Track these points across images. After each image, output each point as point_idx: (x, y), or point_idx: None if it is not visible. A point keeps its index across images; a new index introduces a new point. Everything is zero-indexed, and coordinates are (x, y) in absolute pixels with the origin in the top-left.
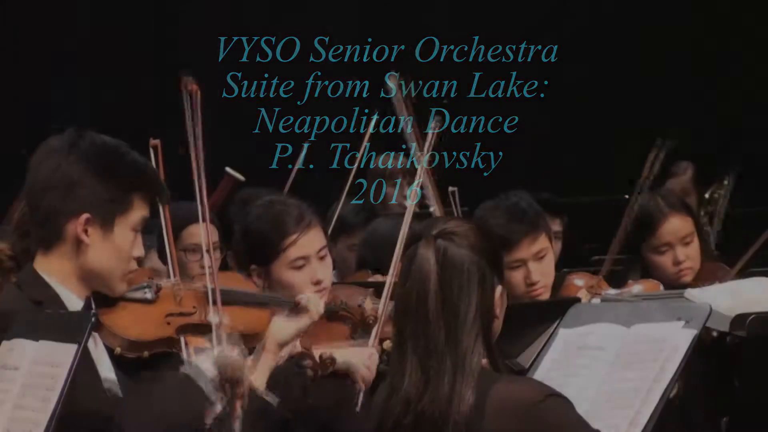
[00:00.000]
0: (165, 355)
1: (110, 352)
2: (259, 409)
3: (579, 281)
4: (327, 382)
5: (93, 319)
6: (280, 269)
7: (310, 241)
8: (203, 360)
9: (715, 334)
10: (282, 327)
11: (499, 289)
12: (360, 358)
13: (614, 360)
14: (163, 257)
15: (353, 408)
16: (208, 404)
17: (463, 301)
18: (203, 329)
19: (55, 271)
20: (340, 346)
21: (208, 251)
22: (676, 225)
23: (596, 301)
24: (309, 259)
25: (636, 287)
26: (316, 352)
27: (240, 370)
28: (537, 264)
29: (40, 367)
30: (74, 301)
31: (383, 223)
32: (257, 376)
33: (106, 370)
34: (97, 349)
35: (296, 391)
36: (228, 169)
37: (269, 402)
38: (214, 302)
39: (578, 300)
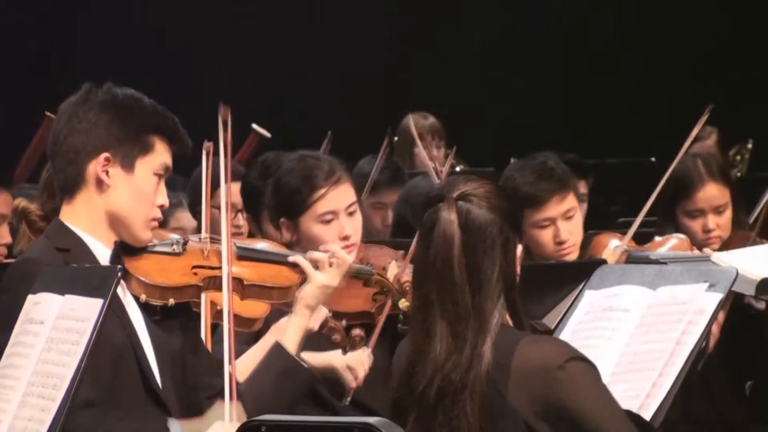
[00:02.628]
0: (190, 307)
1: (136, 300)
2: (287, 369)
3: (608, 242)
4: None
5: (119, 274)
6: (309, 223)
7: (339, 196)
8: None
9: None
10: (307, 289)
11: (519, 248)
12: (357, 358)
13: (639, 322)
14: (194, 214)
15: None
16: None
17: (487, 264)
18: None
19: (80, 218)
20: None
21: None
22: (713, 193)
23: (623, 261)
24: (338, 214)
25: (666, 245)
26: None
27: None
28: (566, 223)
29: (66, 321)
30: (100, 249)
31: (423, 181)
32: (288, 337)
33: (135, 318)
34: (126, 297)
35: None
36: (254, 125)
37: (298, 362)
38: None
39: (604, 261)
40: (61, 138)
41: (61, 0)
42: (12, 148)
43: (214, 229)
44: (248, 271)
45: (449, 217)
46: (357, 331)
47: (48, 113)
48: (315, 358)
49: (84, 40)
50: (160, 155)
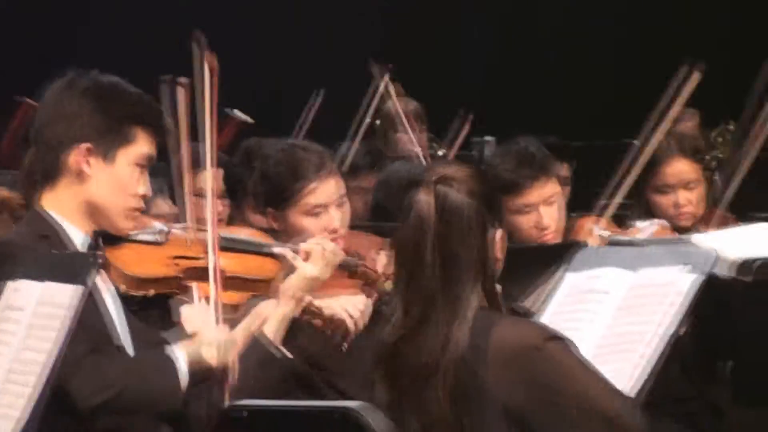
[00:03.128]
0: (170, 297)
1: (116, 290)
2: (264, 359)
3: (590, 225)
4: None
5: (99, 261)
6: (297, 215)
7: (329, 189)
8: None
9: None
10: (294, 281)
11: (499, 232)
12: (350, 303)
13: (620, 304)
14: (174, 200)
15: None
16: (179, 388)
17: (463, 248)
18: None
19: (60, 206)
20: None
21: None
22: (681, 168)
23: (604, 244)
24: (327, 207)
25: (647, 231)
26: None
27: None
28: (547, 208)
29: (45, 308)
30: (79, 236)
31: (402, 165)
32: (269, 328)
33: (113, 309)
34: (105, 286)
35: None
36: (235, 111)
37: (275, 353)
38: (214, 247)
39: (585, 244)
40: (44, 124)
41: None
42: None
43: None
44: (230, 263)
45: (426, 199)
46: (315, 305)
47: (26, 99)
48: (318, 302)
49: (58, 24)
50: (142, 146)
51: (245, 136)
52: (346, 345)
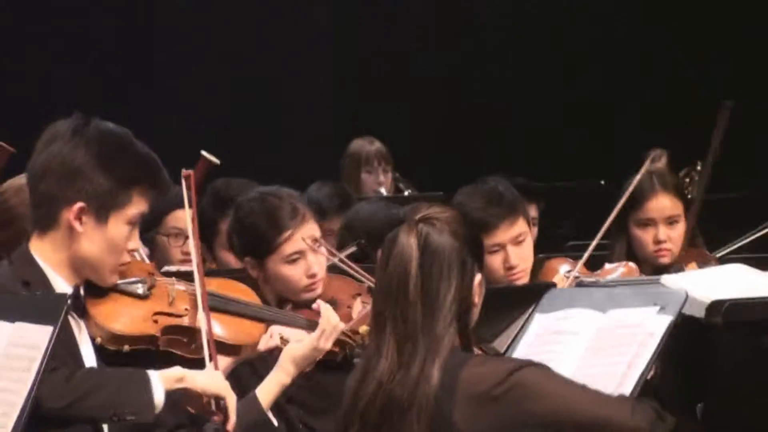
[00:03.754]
0: (146, 351)
1: (93, 341)
2: (258, 423)
3: (559, 266)
4: None
5: (69, 301)
6: (276, 263)
7: (305, 234)
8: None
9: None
10: (300, 350)
11: (478, 277)
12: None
13: (589, 345)
14: (144, 240)
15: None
16: (150, 400)
17: (443, 287)
18: (190, 332)
19: (47, 255)
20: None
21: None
22: (664, 203)
23: (572, 286)
24: (304, 253)
25: (615, 273)
26: None
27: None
28: (516, 248)
29: (16, 349)
30: (62, 286)
31: (366, 206)
32: (264, 392)
33: (89, 360)
34: (81, 335)
35: None
36: (203, 152)
37: (268, 419)
38: (204, 307)
39: (553, 285)
40: (40, 174)
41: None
42: None
43: (163, 255)
44: (218, 326)
45: (408, 238)
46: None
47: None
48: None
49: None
50: (137, 206)
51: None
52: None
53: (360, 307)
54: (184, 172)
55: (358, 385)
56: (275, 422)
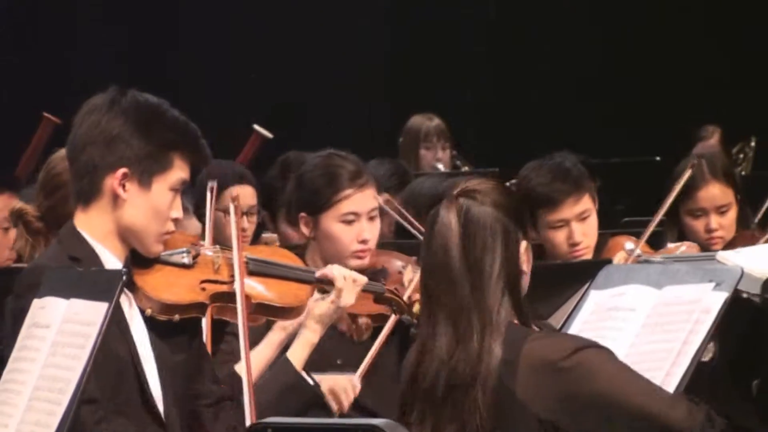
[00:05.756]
0: (197, 320)
1: (142, 313)
2: (292, 384)
3: (622, 244)
4: None
5: (124, 278)
6: (330, 221)
7: (363, 199)
8: None
9: (746, 296)
10: (323, 307)
11: (523, 244)
12: (342, 385)
13: (645, 321)
14: (200, 216)
15: None
16: None
17: (487, 258)
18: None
19: (94, 228)
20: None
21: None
22: (715, 193)
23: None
24: (360, 217)
25: (677, 252)
26: None
27: None
28: (580, 224)
29: (71, 325)
30: (112, 260)
31: (424, 182)
32: (295, 353)
33: (139, 332)
34: (131, 310)
35: None
36: (256, 126)
37: (303, 378)
38: (243, 271)
39: (609, 261)
40: (81, 145)
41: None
42: (9, 149)
43: (219, 232)
44: (261, 288)
45: (449, 212)
46: (363, 320)
47: (46, 114)
48: (323, 378)
49: (80, 40)
50: (178, 171)
51: (265, 151)
52: None
53: (411, 274)
54: (209, 184)
55: (417, 363)
56: (311, 381)
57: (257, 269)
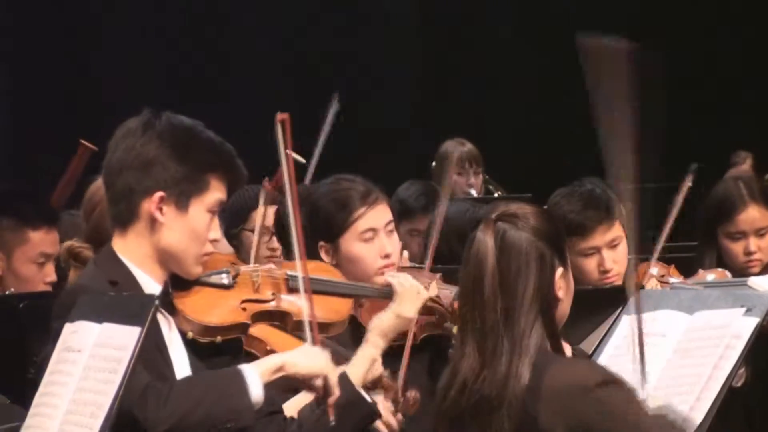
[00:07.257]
0: (238, 341)
1: (183, 336)
2: (351, 402)
3: (651, 270)
4: None
5: (156, 302)
6: (349, 243)
7: (377, 215)
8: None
9: None
10: (386, 319)
11: (559, 270)
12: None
13: (677, 347)
14: (228, 238)
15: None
16: (249, 403)
17: (521, 283)
18: (279, 316)
19: (131, 252)
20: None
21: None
22: (754, 215)
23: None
24: (378, 232)
25: (708, 276)
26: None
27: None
28: (611, 252)
29: (103, 349)
30: (150, 284)
31: (452, 206)
32: (355, 368)
33: (178, 355)
34: (171, 333)
35: None
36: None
37: (362, 396)
38: (301, 290)
39: (641, 287)
40: (116, 170)
41: (86, 29)
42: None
43: (249, 252)
44: (299, 307)
45: (485, 236)
46: (412, 393)
47: (82, 141)
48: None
49: (108, 66)
50: (215, 192)
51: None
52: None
53: (436, 290)
54: (278, 115)
55: (447, 385)
56: (369, 399)
57: (298, 287)
